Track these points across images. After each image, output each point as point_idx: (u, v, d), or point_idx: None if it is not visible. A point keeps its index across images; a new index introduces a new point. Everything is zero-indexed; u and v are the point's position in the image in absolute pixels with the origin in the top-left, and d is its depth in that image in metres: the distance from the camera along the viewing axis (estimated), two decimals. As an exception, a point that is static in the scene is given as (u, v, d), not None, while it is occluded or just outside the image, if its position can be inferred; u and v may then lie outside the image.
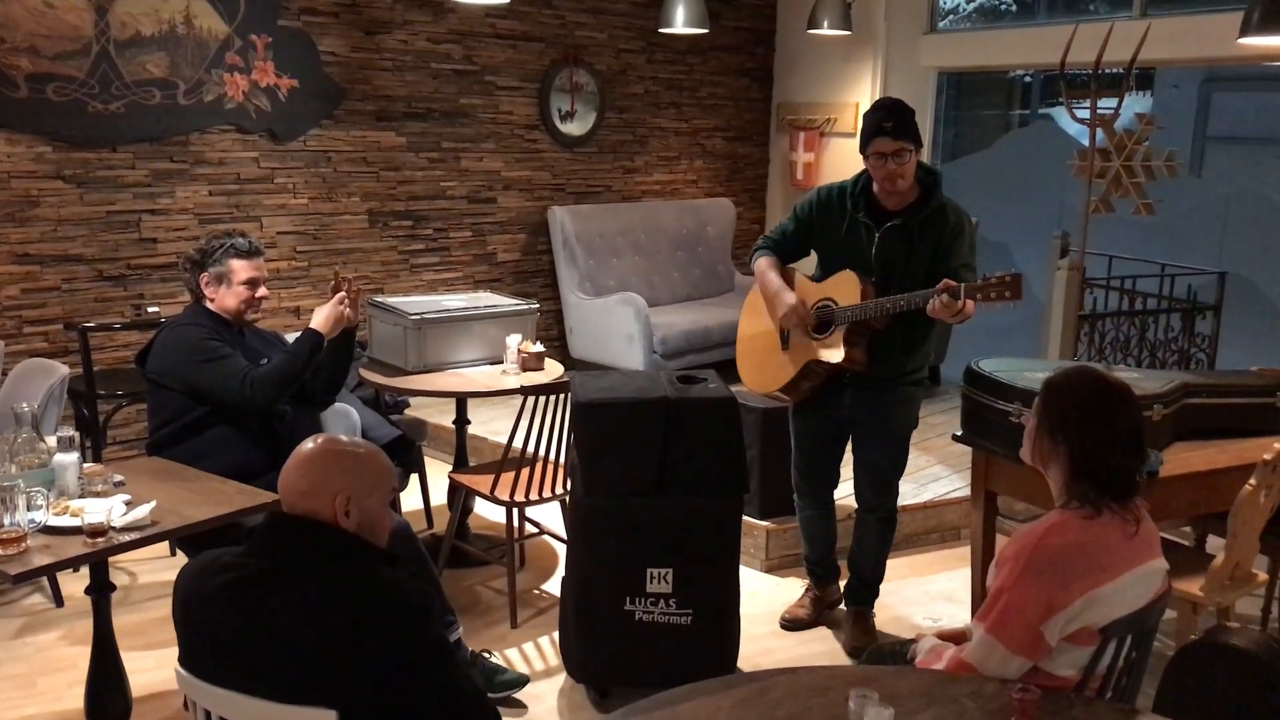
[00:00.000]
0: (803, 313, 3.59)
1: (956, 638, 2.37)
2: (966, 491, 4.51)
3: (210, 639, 1.92)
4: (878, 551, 3.87)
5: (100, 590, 2.88)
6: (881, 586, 3.95)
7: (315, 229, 6.01)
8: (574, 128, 6.98)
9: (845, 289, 3.51)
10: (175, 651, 2.00)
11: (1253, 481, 3.11)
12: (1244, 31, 3.99)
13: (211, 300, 3.52)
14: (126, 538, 2.67)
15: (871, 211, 3.51)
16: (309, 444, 2.04)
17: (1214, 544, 3.75)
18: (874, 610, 3.94)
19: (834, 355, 3.52)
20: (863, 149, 3.43)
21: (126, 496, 2.86)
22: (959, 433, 3.77)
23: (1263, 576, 3.52)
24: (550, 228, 6.82)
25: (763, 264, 3.74)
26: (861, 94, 7.29)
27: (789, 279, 3.72)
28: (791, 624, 4.02)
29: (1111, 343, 5.86)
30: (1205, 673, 2.26)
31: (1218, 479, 3.37)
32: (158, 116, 5.36)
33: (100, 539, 2.62)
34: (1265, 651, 2.18)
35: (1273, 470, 3.14)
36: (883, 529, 3.84)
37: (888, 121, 3.34)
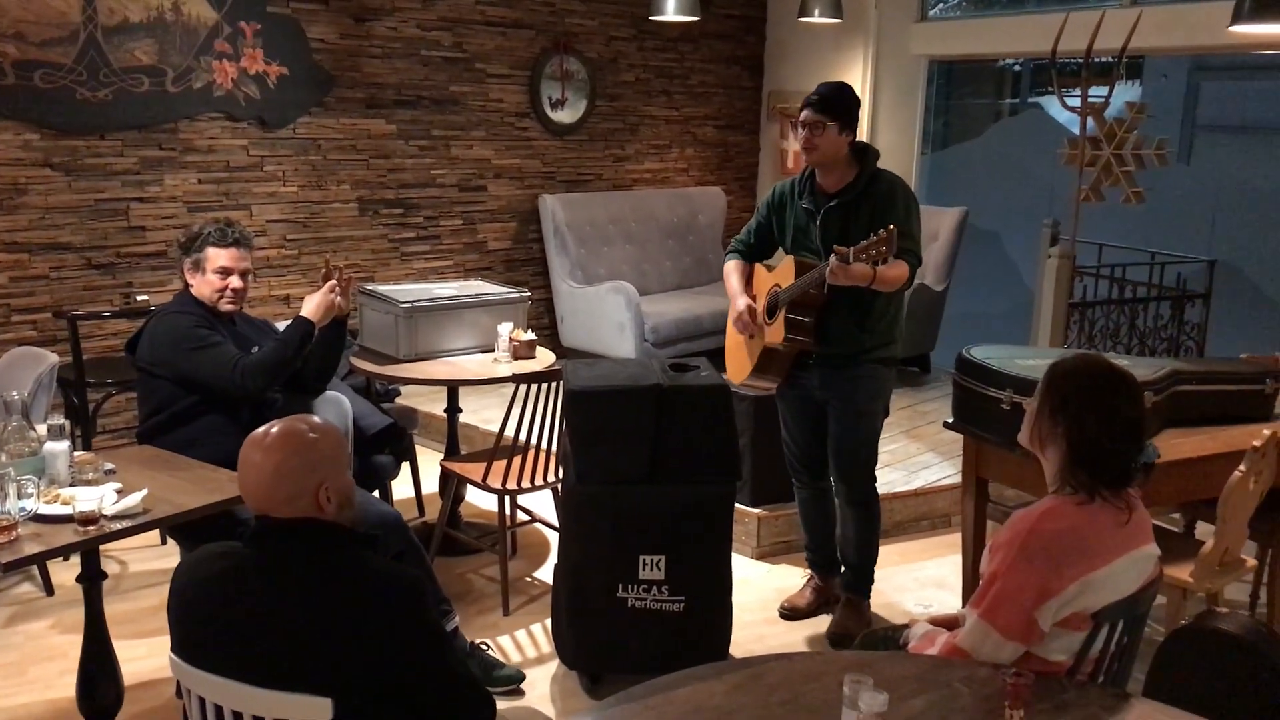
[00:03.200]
0: (748, 316, 3.72)
1: (949, 623, 2.38)
2: (957, 479, 4.52)
3: (206, 627, 1.92)
4: (858, 538, 3.84)
5: (91, 578, 2.87)
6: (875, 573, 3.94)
7: (305, 217, 5.98)
8: (565, 115, 6.96)
9: (786, 272, 3.61)
10: (167, 640, 2.00)
11: (1242, 468, 3.13)
12: (1235, 20, 4.00)
13: (192, 287, 3.51)
14: (118, 526, 2.66)
15: (813, 196, 3.62)
16: (261, 454, 1.95)
17: (1203, 530, 3.77)
18: (867, 600, 3.92)
19: (775, 336, 3.61)
20: (793, 119, 3.58)
21: (117, 485, 2.85)
22: (950, 420, 3.78)
23: (1251, 562, 3.54)
24: (541, 216, 6.81)
25: (727, 268, 3.90)
26: (853, 82, 7.22)
27: (748, 278, 3.85)
28: (790, 612, 4.01)
29: (1101, 330, 5.88)
30: (1195, 658, 2.27)
31: (1207, 466, 3.38)
32: (146, 104, 5.33)
33: (91, 527, 2.62)
34: (1254, 636, 2.19)
35: (1261, 457, 3.16)
36: (857, 515, 3.81)
37: (815, 95, 3.52)
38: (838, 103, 3.50)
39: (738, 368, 3.89)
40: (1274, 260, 11.69)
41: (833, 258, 3.27)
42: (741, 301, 3.75)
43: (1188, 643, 2.31)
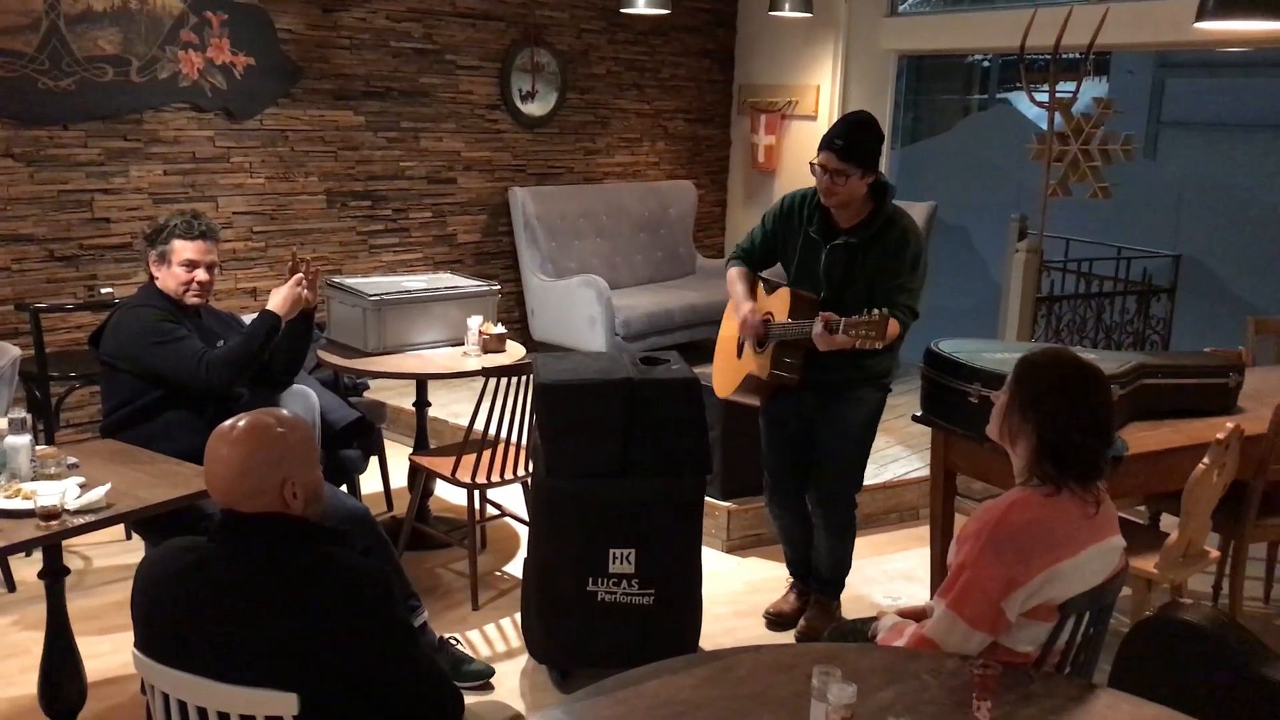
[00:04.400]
0: (755, 326, 3.60)
1: (917, 615, 2.39)
2: (925, 471, 4.54)
3: (169, 623, 1.90)
4: (831, 556, 3.77)
5: (54, 574, 2.84)
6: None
7: (272, 209, 5.93)
8: (535, 108, 6.94)
9: (780, 305, 3.53)
10: (131, 636, 1.97)
11: (1206, 461, 3.16)
12: (1200, 16, 4.03)
13: (157, 279, 3.47)
14: (80, 521, 2.62)
15: (823, 226, 3.50)
16: (227, 447, 1.93)
17: (1168, 522, 3.81)
18: (837, 602, 3.88)
19: (761, 371, 3.56)
20: (816, 159, 3.41)
21: (80, 479, 2.81)
22: (918, 413, 3.80)
23: (1215, 554, 3.58)
24: (511, 209, 6.79)
25: (732, 274, 3.75)
26: (822, 77, 7.31)
27: (753, 286, 3.72)
28: (776, 619, 3.94)
29: (1068, 325, 5.93)
30: (1159, 648, 2.29)
31: (1172, 459, 3.41)
32: (110, 94, 5.26)
33: (53, 522, 2.58)
34: (1217, 627, 2.21)
35: (1225, 450, 3.19)
36: (832, 536, 3.74)
37: (839, 139, 3.31)
38: (862, 148, 3.31)
39: (722, 380, 3.84)
40: (1238, 255, 11.84)
41: (819, 323, 3.21)
42: (747, 308, 3.60)
43: (1152, 633, 2.34)
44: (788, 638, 3.85)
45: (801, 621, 3.87)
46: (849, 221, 3.46)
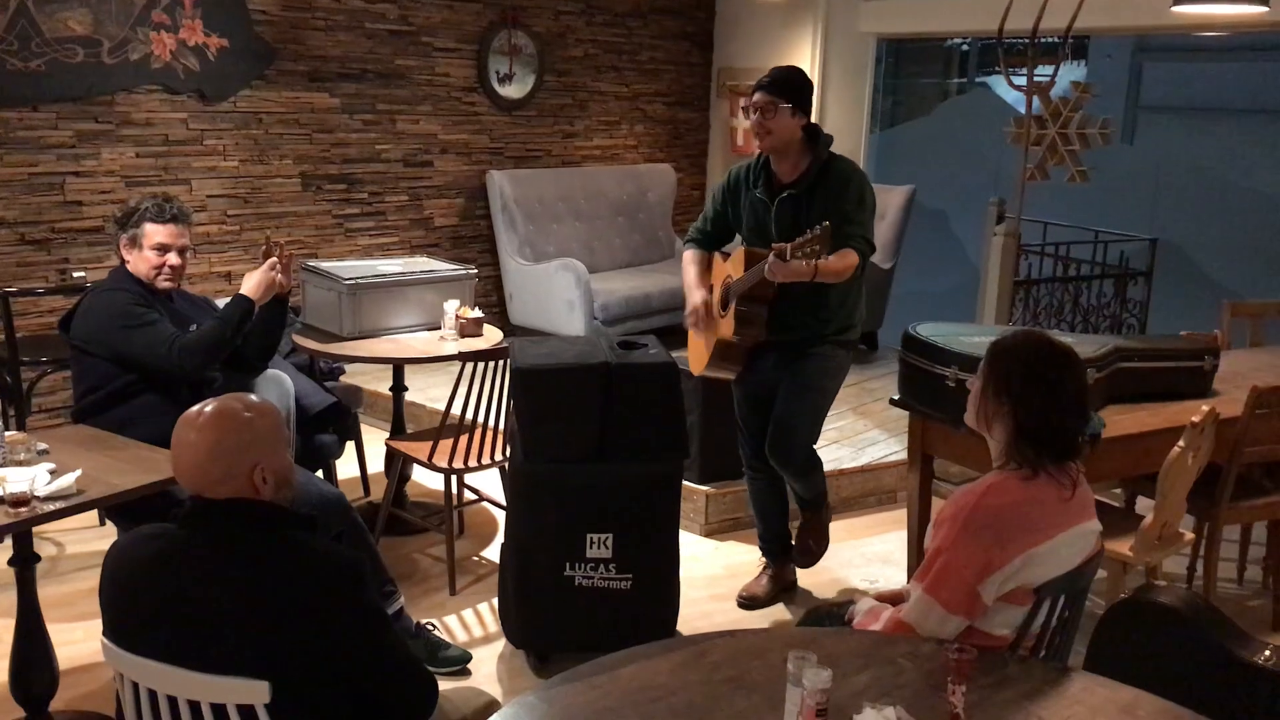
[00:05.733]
0: (702, 311, 3.66)
1: (894, 599, 2.39)
2: (903, 455, 4.55)
3: (138, 611, 1.88)
4: (807, 491, 3.78)
5: (24, 561, 2.81)
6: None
7: (246, 192, 5.88)
8: (512, 91, 6.89)
9: (738, 263, 3.57)
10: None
11: (1181, 444, 3.17)
12: (1177, 0, 4.03)
13: (128, 264, 3.43)
14: (51, 507, 2.59)
15: (768, 186, 3.58)
16: (195, 433, 1.91)
17: (1143, 505, 3.83)
18: (825, 509, 3.86)
19: (726, 331, 3.58)
20: (744, 105, 3.52)
21: (51, 465, 2.78)
22: (896, 397, 3.80)
23: (1189, 536, 3.60)
24: (489, 192, 6.75)
25: (686, 258, 3.83)
26: (801, 60, 7.28)
27: (707, 268, 3.78)
28: (749, 602, 3.95)
29: (1046, 308, 5.95)
30: (1134, 630, 2.30)
31: (1147, 442, 3.43)
32: (81, 75, 5.19)
33: (23, 509, 2.55)
34: (1191, 609, 2.22)
35: (1200, 433, 3.20)
36: (799, 481, 3.74)
37: (766, 77, 3.48)
38: (790, 84, 3.45)
39: (696, 358, 3.84)
40: (1214, 239, 11.91)
41: (771, 254, 3.26)
42: (697, 296, 3.68)
43: (1127, 615, 2.35)
44: (761, 619, 3.85)
45: (797, 539, 3.88)
46: (790, 175, 3.53)
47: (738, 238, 3.80)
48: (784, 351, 3.62)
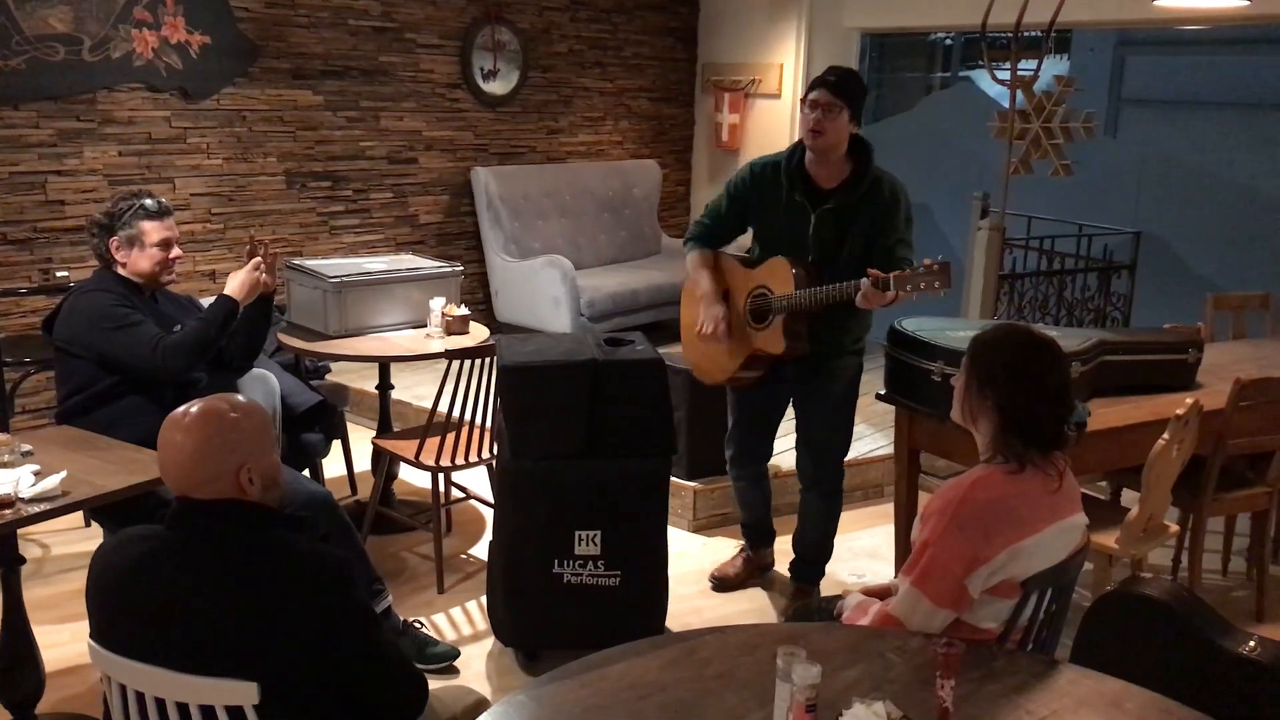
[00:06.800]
0: (724, 326, 3.52)
1: (881, 593, 2.40)
2: (890, 450, 4.56)
3: (124, 612, 1.87)
4: (822, 532, 3.82)
5: (8, 564, 2.79)
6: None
7: (230, 190, 5.85)
8: (497, 87, 6.87)
9: (780, 276, 3.43)
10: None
11: (1165, 436, 3.19)
12: (1160, -7, 4.05)
13: (123, 265, 3.41)
14: (35, 509, 2.57)
15: (808, 190, 3.44)
16: (181, 434, 1.90)
17: (1129, 497, 3.85)
18: (818, 589, 3.91)
19: (775, 346, 3.46)
20: (803, 98, 3.40)
21: (35, 467, 2.76)
22: (882, 391, 3.81)
23: (1174, 528, 3.62)
24: (474, 189, 6.73)
25: (694, 260, 3.66)
26: (785, 55, 7.29)
27: (720, 272, 3.64)
28: (720, 582, 4.03)
29: (1030, 302, 5.97)
30: (1120, 622, 2.31)
31: (1132, 434, 3.44)
32: (62, 73, 5.15)
33: (7, 511, 2.53)
34: (1177, 601, 2.23)
35: (1184, 425, 3.22)
36: (826, 507, 3.77)
37: (831, 75, 3.35)
38: (853, 88, 3.32)
39: (714, 368, 3.70)
40: (1197, 232, 11.96)
41: (865, 282, 3.14)
42: (718, 309, 3.52)
43: (1113, 608, 2.36)
44: (749, 615, 3.86)
45: (788, 610, 3.88)
46: (830, 182, 3.41)
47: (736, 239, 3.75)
48: (801, 364, 3.56)
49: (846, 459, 4.24)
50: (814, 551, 3.88)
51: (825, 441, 3.69)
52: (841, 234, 3.40)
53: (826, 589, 3.98)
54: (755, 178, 3.55)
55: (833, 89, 3.30)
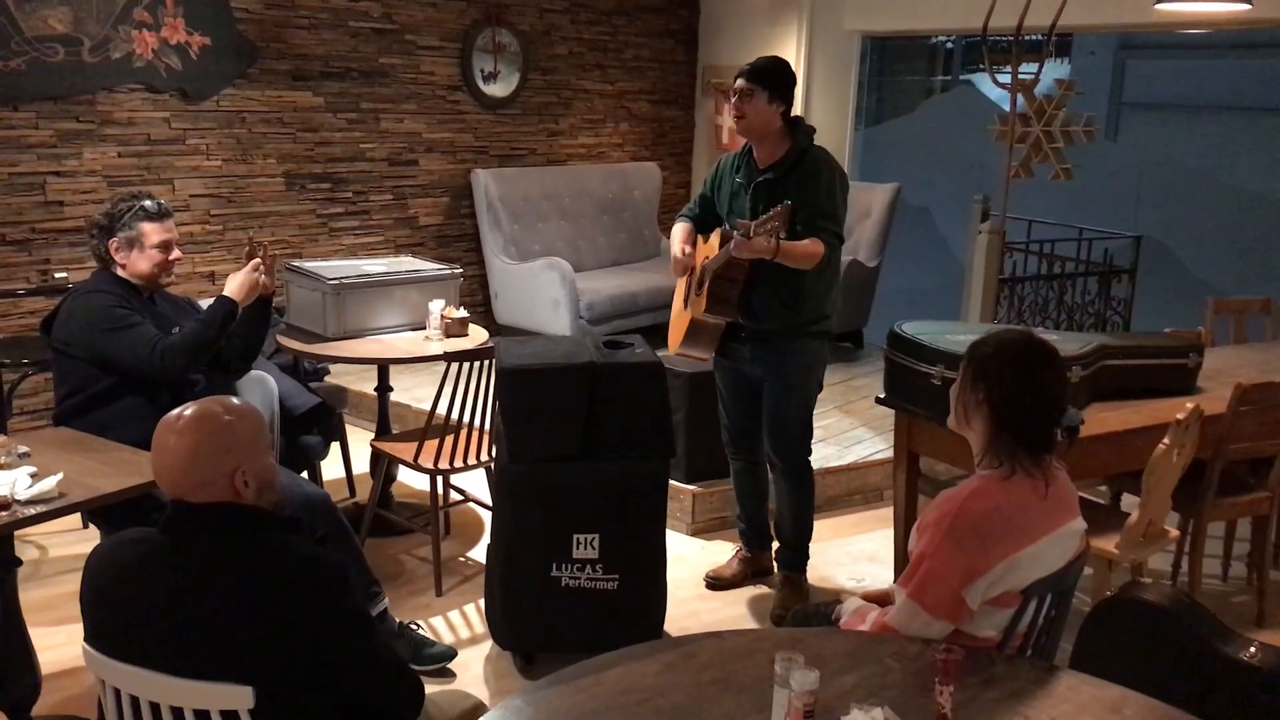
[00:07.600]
0: (686, 264, 3.75)
1: (880, 599, 2.39)
2: (889, 453, 4.55)
3: (119, 616, 1.86)
4: (792, 513, 3.86)
5: (5, 565, 2.78)
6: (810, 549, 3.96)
7: (230, 192, 5.84)
8: (497, 89, 6.87)
9: (713, 243, 3.65)
10: (85, 628, 1.93)
11: (1166, 441, 3.18)
12: (1161, -3, 4.04)
13: (122, 266, 3.40)
14: (31, 511, 2.57)
15: (748, 170, 3.67)
16: (175, 437, 1.89)
17: (1129, 502, 3.84)
18: (805, 576, 3.95)
19: (699, 308, 3.64)
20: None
21: (32, 468, 2.75)
22: (882, 395, 3.80)
23: (1174, 533, 3.61)
24: (474, 191, 6.73)
25: (675, 228, 3.90)
26: (786, 57, 7.24)
27: (694, 238, 3.87)
28: (715, 582, 4.04)
29: (1031, 306, 5.97)
30: (1120, 628, 2.30)
31: (1132, 439, 3.43)
32: (62, 74, 5.15)
33: (4, 512, 2.53)
34: (1177, 606, 2.23)
35: (1185, 430, 3.21)
36: (791, 487, 3.83)
37: (747, 65, 3.60)
38: (767, 72, 3.55)
39: (673, 336, 3.90)
40: (1198, 236, 11.95)
41: (735, 234, 3.35)
42: (678, 249, 3.77)
43: (1113, 613, 2.35)
44: (734, 605, 3.85)
45: (775, 602, 3.90)
46: (768, 159, 3.61)
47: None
48: (759, 343, 3.67)
49: (844, 463, 4.26)
50: (790, 535, 3.91)
51: (781, 420, 3.74)
52: (772, 204, 3.52)
53: (826, 592, 3.98)
54: (719, 167, 3.86)
55: (747, 75, 3.55)
